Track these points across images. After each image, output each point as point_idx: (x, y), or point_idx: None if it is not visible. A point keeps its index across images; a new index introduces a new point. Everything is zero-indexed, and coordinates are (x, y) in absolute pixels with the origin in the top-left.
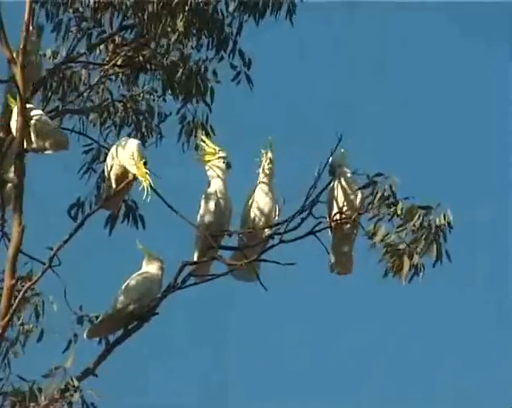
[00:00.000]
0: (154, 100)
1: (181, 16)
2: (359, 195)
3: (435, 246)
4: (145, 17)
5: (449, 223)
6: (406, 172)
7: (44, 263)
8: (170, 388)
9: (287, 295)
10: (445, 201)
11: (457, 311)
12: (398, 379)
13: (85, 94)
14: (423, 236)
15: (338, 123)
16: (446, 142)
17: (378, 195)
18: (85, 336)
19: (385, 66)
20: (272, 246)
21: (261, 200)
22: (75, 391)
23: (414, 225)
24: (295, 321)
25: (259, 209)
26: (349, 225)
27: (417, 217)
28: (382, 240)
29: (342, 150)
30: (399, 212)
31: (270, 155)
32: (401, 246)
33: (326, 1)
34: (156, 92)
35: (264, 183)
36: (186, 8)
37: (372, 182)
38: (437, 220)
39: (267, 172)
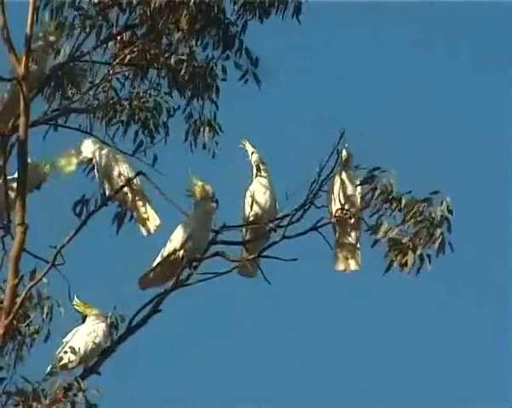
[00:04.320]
0: (161, 97)
1: (185, 13)
2: (358, 190)
3: (439, 236)
4: (149, 14)
5: (451, 212)
6: (407, 173)
7: (48, 262)
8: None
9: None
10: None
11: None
12: (397, 378)
13: (91, 93)
14: (425, 227)
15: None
16: (445, 141)
17: (378, 190)
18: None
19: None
20: (275, 242)
21: (260, 194)
22: (78, 390)
23: (415, 217)
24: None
25: (259, 203)
26: (352, 220)
27: (416, 208)
28: (384, 236)
29: (346, 145)
30: (402, 206)
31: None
32: (404, 240)
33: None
34: (160, 91)
35: (262, 176)
36: (190, 4)
37: (371, 177)
38: (438, 210)
39: (263, 165)
